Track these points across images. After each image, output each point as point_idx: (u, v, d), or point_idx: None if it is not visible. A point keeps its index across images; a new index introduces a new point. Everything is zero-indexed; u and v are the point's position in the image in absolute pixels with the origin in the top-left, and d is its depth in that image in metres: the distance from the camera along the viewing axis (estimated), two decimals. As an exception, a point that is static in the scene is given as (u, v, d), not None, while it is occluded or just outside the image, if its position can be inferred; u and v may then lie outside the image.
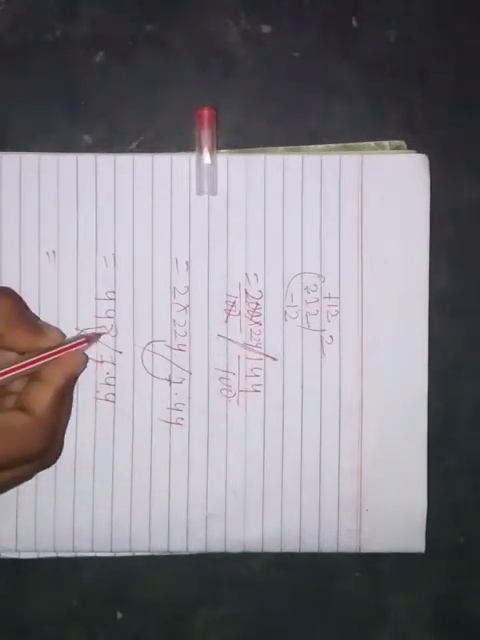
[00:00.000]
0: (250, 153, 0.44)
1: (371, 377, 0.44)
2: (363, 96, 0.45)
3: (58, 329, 0.42)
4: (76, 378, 0.41)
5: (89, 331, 0.44)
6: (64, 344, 0.40)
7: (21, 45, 0.45)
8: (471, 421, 0.45)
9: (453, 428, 0.45)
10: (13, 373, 0.38)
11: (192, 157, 0.44)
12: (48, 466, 0.42)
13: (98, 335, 0.43)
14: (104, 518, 0.44)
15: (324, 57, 0.45)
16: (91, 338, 0.42)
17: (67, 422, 0.42)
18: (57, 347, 0.39)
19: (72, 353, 0.40)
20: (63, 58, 0.45)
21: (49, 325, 0.42)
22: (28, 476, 0.41)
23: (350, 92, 0.45)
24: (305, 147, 0.45)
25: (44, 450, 0.39)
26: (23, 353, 0.39)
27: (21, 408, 0.38)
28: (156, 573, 0.45)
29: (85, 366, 0.42)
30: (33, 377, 0.39)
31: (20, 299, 0.42)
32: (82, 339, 0.40)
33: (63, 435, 0.42)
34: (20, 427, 0.38)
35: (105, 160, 0.44)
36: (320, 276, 0.44)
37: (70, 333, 0.44)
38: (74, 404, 0.44)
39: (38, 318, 0.43)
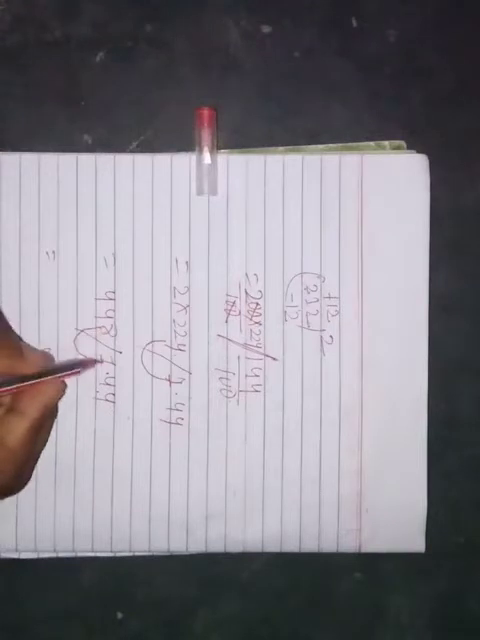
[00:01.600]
0: (250, 153, 0.44)
1: (371, 377, 0.44)
2: (363, 96, 0.45)
3: (42, 353, 0.42)
4: (54, 406, 0.41)
5: (80, 358, 0.43)
6: (44, 372, 0.39)
7: (21, 45, 0.45)
8: (471, 421, 0.45)
9: (453, 428, 0.45)
10: None
11: (192, 157, 0.44)
12: (13, 494, 0.41)
13: (94, 361, 0.43)
14: (104, 518, 0.44)
15: (324, 57, 0.45)
16: (86, 363, 0.42)
17: (42, 449, 0.42)
18: (37, 373, 0.39)
19: (50, 382, 0.39)
20: (63, 58, 0.45)
21: (31, 349, 0.41)
22: None
23: (350, 92, 0.45)
24: (305, 147, 0.45)
25: (13, 482, 0.39)
26: None
27: None
28: (156, 573, 0.45)
29: (63, 393, 0.41)
30: (10, 408, 0.39)
31: (2, 318, 0.42)
32: (74, 369, 0.40)
33: (35, 463, 0.42)
34: None
35: (105, 160, 0.44)
36: (320, 276, 0.44)
37: (70, 333, 0.44)
38: (74, 404, 0.44)
39: (21, 339, 0.43)
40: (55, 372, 0.40)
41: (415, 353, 0.44)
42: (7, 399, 0.39)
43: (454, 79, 0.45)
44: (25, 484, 0.41)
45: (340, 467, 0.44)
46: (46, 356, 0.42)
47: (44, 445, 0.42)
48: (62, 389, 0.40)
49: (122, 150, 0.45)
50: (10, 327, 0.42)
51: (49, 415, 0.40)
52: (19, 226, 0.44)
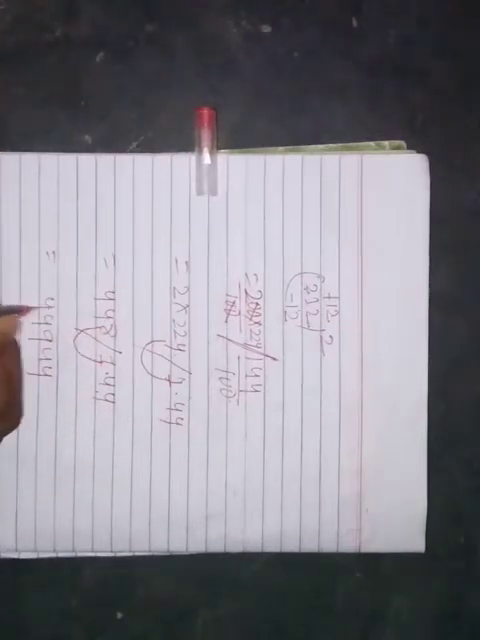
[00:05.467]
0: (250, 153, 0.44)
1: (371, 377, 0.44)
2: (363, 96, 0.45)
3: None
4: (12, 342, 0.43)
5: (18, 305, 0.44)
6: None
7: (21, 45, 0.45)
8: (471, 421, 0.45)
9: (453, 428, 0.45)
10: None
11: (192, 157, 0.44)
12: (9, 430, 0.43)
13: (28, 308, 0.44)
14: (104, 518, 0.44)
15: (324, 57, 0.45)
16: (22, 310, 0.44)
17: (19, 384, 0.43)
18: None
19: (5, 318, 0.43)
20: (63, 58, 0.45)
21: None
22: None
23: (350, 92, 0.45)
24: (305, 147, 0.45)
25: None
26: None
27: None
28: (156, 573, 0.45)
29: (18, 330, 0.43)
30: None
31: None
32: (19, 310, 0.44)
33: (17, 398, 0.43)
34: None
35: (105, 160, 0.44)
36: (320, 276, 0.44)
37: (70, 333, 0.44)
38: (74, 404, 0.44)
39: None
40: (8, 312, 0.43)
41: (415, 353, 0.44)
42: None
43: (454, 79, 0.45)
44: (17, 419, 0.43)
45: (340, 467, 0.44)
46: None
47: (19, 380, 0.43)
48: (17, 325, 0.43)
49: (122, 150, 0.45)
50: None
51: (7, 345, 0.43)
52: (19, 226, 0.44)
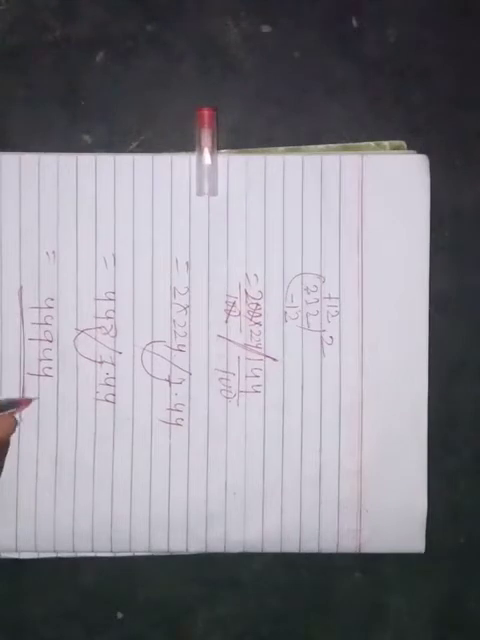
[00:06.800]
0: (250, 153, 0.44)
1: (371, 377, 0.44)
2: (363, 96, 0.45)
3: None
4: (7, 441, 0.42)
5: (17, 397, 0.44)
6: None
7: (21, 45, 0.45)
8: (471, 421, 0.45)
9: (453, 428, 0.45)
10: None
11: (192, 157, 0.44)
12: None
13: (28, 400, 0.43)
14: (104, 518, 0.44)
15: (324, 57, 0.45)
16: (21, 403, 0.43)
17: None
18: None
19: (3, 418, 0.41)
20: (63, 58, 0.45)
21: None
22: None
23: (350, 92, 0.45)
24: (305, 147, 0.45)
25: None
26: None
27: None
28: (156, 573, 0.45)
29: (14, 430, 0.43)
30: None
31: None
32: (15, 406, 0.42)
33: None
34: None
35: (105, 160, 0.44)
36: (320, 276, 0.44)
37: (70, 333, 0.44)
38: (74, 404, 0.44)
39: None
40: (5, 407, 0.42)
41: (415, 353, 0.44)
42: None
43: (454, 79, 0.45)
44: None
45: (340, 467, 0.44)
46: None
47: None
48: (13, 425, 0.43)
49: (122, 150, 0.45)
50: None
51: (1, 448, 0.42)
52: (19, 226, 0.44)
